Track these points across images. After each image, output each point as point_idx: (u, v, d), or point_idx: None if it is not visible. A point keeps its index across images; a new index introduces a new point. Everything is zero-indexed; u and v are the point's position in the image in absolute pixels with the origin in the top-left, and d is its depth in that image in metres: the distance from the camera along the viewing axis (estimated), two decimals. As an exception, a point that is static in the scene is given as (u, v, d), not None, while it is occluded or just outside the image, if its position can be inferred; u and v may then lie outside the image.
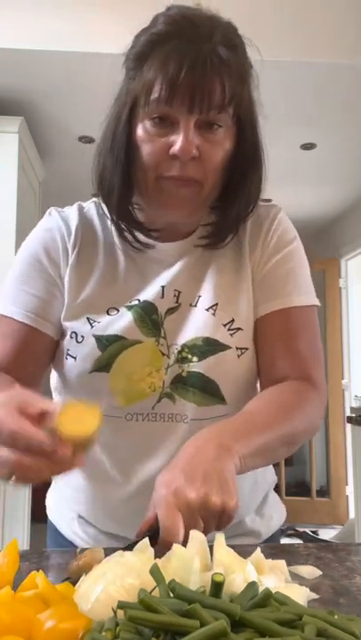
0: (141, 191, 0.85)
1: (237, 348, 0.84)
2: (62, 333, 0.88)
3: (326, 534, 4.28)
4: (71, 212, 0.93)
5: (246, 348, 0.84)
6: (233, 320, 0.85)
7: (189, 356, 0.83)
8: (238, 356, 0.84)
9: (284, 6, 2.54)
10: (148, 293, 0.86)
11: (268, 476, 1.00)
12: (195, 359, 0.82)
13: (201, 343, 0.83)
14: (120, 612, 0.48)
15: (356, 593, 0.64)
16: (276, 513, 1.00)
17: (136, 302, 0.85)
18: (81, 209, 0.94)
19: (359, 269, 4.80)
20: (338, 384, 4.77)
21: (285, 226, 0.93)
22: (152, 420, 0.84)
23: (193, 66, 0.73)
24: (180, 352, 0.83)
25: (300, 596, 0.57)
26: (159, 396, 0.83)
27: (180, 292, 0.86)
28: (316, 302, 0.91)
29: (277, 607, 0.50)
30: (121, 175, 0.83)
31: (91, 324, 0.84)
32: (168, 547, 0.58)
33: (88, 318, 0.85)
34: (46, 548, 0.98)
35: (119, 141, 0.82)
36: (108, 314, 0.85)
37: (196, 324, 0.84)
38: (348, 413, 3.74)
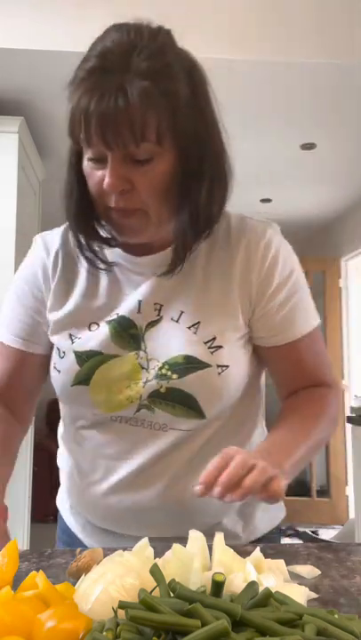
0: (99, 215, 0.87)
1: (218, 366, 0.85)
2: (52, 348, 0.93)
3: (326, 534, 4.28)
4: (54, 236, 0.97)
5: (227, 366, 0.85)
6: (215, 338, 0.85)
7: (169, 374, 0.84)
8: (219, 374, 0.85)
9: (284, 6, 2.54)
10: (126, 308, 0.88)
11: None
12: (175, 376, 0.84)
13: (182, 361, 0.84)
14: (121, 612, 0.48)
15: (356, 593, 0.64)
16: (264, 518, 0.98)
17: (115, 317, 0.88)
18: (65, 230, 0.97)
19: (359, 269, 4.80)
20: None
21: (284, 254, 0.90)
22: (134, 424, 0.87)
23: (99, 105, 0.73)
24: (160, 369, 0.85)
25: (300, 595, 0.57)
26: (137, 407, 0.86)
27: (161, 306, 0.88)
28: (318, 321, 0.94)
29: (277, 607, 0.50)
30: (78, 198, 0.85)
31: (72, 340, 0.89)
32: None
33: (70, 334, 0.89)
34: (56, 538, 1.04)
35: (72, 169, 0.85)
36: (90, 329, 0.89)
37: (178, 341, 0.85)
38: (348, 413, 3.74)
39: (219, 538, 0.65)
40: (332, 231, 5.07)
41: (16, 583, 0.57)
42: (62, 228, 0.98)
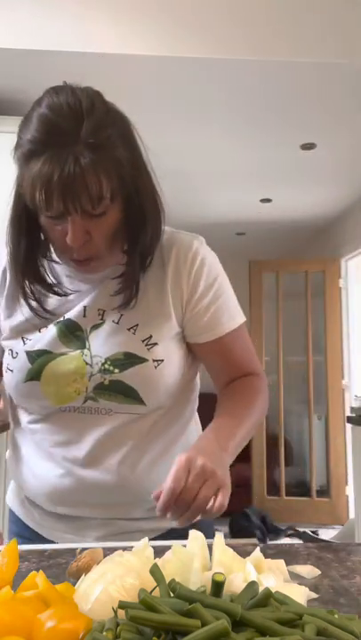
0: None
1: (154, 360, 0.97)
2: (3, 352, 1.04)
3: (326, 534, 4.28)
4: (2, 253, 1.04)
5: (162, 360, 0.98)
6: (151, 336, 0.98)
7: (111, 368, 0.96)
8: (155, 367, 0.97)
9: (283, 6, 2.54)
10: (73, 313, 1.00)
11: None
12: (116, 370, 0.96)
13: (122, 357, 0.96)
14: (121, 612, 0.48)
15: (356, 593, 0.64)
16: None
17: (61, 319, 0.99)
18: None
19: (359, 269, 4.80)
20: (338, 384, 4.78)
21: (209, 262, 1.03)
22: (81, 412, 0.99)
23: (60, 177, 0.83)
24: (103, 364, 0.96)
25: (300, 595, 0.57)
26: (84, 398, 0.97)
27: (104, 311, 0.99)
28: (243, 319, 1.07)
29: (277, 607, 0.50)
30: (27, 250, 0.96)
31: (24, 342, 1.00)
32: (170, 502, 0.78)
33: (23, 337, 1.01)
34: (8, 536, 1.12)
35: (22, 225, 0.95)
36: (40, 331, 1.00)
37: (118, 341, 0.97)
38: (348, 413, 3.74)
39: (219, 538, 0.65)
40: (332, 231, 5.07)
41: (16, 583, 0.57)
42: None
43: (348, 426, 3.69)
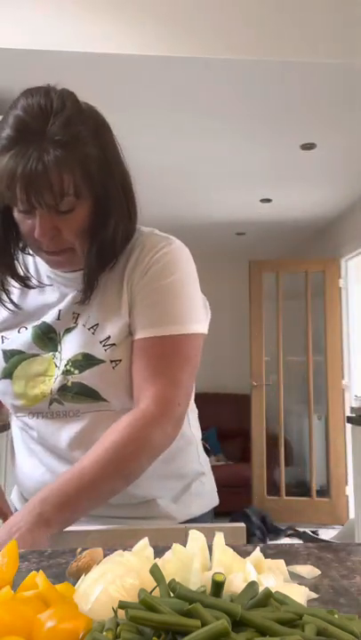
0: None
1: (111, 361, 0.96)
2: None
3: (326, 534, 4.28)
4: None
5: (120, 360, 0.97)
6: (109, 337, 0.98)
7: (72, 369, 0.97)
8: (113, 368, 0.96)
9: (283, 6, 2.54)
10: (49, 316, 1.02)
11: (189, 467, 1.11)
12: (76, 372, 0.97)
13: (81, 358, 0.97)
14: (121, 612, 0.48)
15: (356, 593, 0.64)
16: (196, 502, 1.10)
17: (39, 323, 1.02)
18: None
19: (359, 269, 4.80)
20: (338, 384, 4.78)
21: (169, 259, 0.99)
22: (50, 417, 1.00)
23: (23, 172, 0.85)
24: (65, 365, 0.98)
25: (300, 595, 0.57)
26: (49, 400, 0.99)
27: (78, 315, 1.01)
28: (193, 331, 0.97)
29: (277, 607, 0.50)
30: (2, 233, 0.98)
31: (2, 341, 1.03)
32: None
33: (2, 336, 1.03)
34: None
35: None
36: (19, 332, 1.03)
37: (79, 342, 0.98)
38: (348, 413, 3.74)
39: (219, 538, 0.65)
40: (332, 231, 5.07)
41: (16, 583, 0.57)
42: None
43: (348, 426, 3.69)
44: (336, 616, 0.49)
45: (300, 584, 0.61)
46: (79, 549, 0.69)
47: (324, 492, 4.75)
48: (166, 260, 1.00)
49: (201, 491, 1.12)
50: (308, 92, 2.82)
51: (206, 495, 1.14)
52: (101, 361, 0.96)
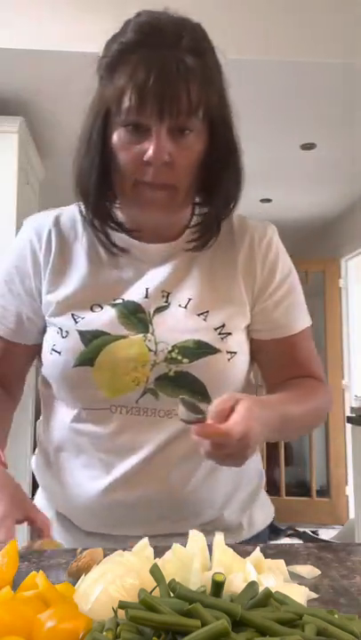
0: (120, 193, 0.88)
1: (228, 352, 0.86)
2: (45, 332, 0.93)
3: (326, 534, 4.28)
4: (46, 220, 0.95)
5: (235, 352, 0.87)
6: (224, 325, 0.87)
7: (180, 357, 0.84)
8: (228, 360, 0.86)
9: (283, 6, 2.54)
10: (132, 293, 0.89)
11: (252, 475, 0.99)
12: (185, 360, 0.84)
13: (192, 345, 0.85)
14: (121, 612, 0.48)
15: (356, 593, 0.64)
16: (261, 513, 1.00)
17: (120, 301, 0.88)
18: (58, 215, 0.97)
19: (359, 269, 4.80)
20: (338, 384, 4.77)
21: (284, 253, 0.96)
22: (135, 413, 0.86)
23: (160, 74, 0.76)
24: (170, 352, 0.85)
25: (300, 595, 0.57)
26: (143, 390, 0.85)
27: (168, 294, 0.89)
28: (310, 322, 0.99)
29: (277, 607, 0.50)
30: (97, 179, 0.86)
31: (75, 320, 0.87)
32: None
33: (72, 314, 0.88)
34: None
35: (94, 147, 0.85)
36: (92, 310, 0.88)
37: (187, 327, 0.86)
38: (348, 413, 3.74)
39: (219, 538, 0.65)
40: (332, 231, 5.07)
41: (16, 583, 0.57)
42: (53, 211, 0.98)
43: (348, 426, 3.68)
44: (336, 616, 0.49)
45: (300, 584, 0.61)
46: (79, 549, 0.69)
47: (324, 492, 4.75)
48: (279, 249, 0.96)
49: (263, 502, 1.03)
50: (309, 92, 2.82)
51: (266, 508, 1.03)
52: (218, 350, 0.85)
